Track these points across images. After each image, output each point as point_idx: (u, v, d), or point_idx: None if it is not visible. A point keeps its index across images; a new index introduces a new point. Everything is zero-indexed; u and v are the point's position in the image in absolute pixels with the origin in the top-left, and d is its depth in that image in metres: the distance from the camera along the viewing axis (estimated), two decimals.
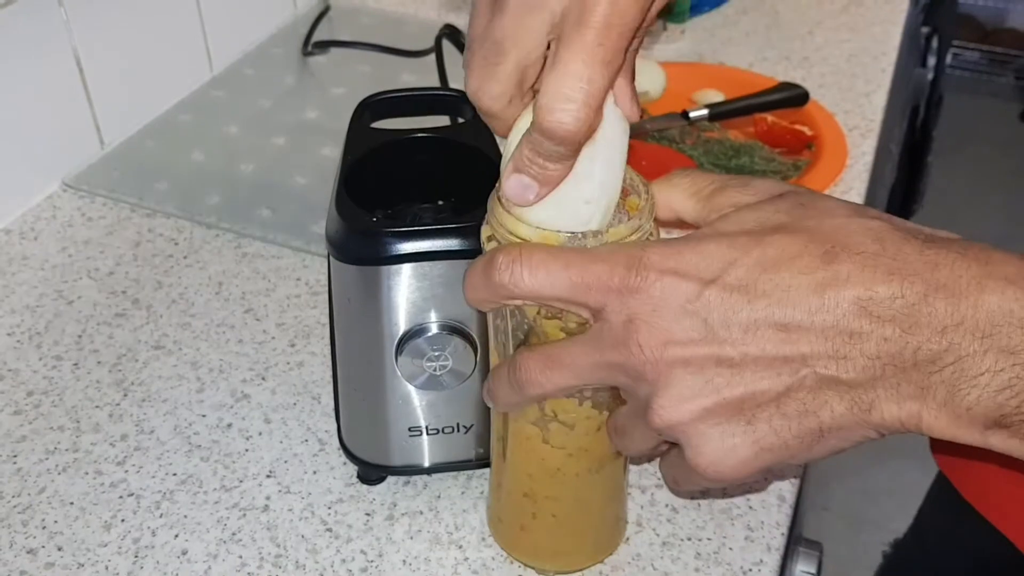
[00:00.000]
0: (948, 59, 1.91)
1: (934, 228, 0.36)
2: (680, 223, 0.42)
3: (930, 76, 1.69)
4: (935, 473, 0.73)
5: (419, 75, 0.96)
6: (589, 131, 0.35)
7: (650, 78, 0.90)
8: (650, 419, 0.36)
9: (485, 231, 0.41)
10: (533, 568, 0.51)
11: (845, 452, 0.37)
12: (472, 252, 0.46)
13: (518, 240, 0.38)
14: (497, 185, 0.40)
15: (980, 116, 2.72)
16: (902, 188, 1.74)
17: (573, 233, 0.38)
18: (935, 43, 1.69)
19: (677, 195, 0.41)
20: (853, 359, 0.33)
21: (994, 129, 2.71)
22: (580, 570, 0.51)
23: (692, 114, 0.85)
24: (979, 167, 2.51)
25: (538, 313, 0.40)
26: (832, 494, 1.63)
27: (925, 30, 1.65)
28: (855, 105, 0.93)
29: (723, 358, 0.34)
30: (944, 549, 0.71)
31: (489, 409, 0.52)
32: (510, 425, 0.46)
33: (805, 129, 0.85)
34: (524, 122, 0.37)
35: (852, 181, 0.82)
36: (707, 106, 0.86)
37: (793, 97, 0.88)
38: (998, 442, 0.33)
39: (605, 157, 0.38)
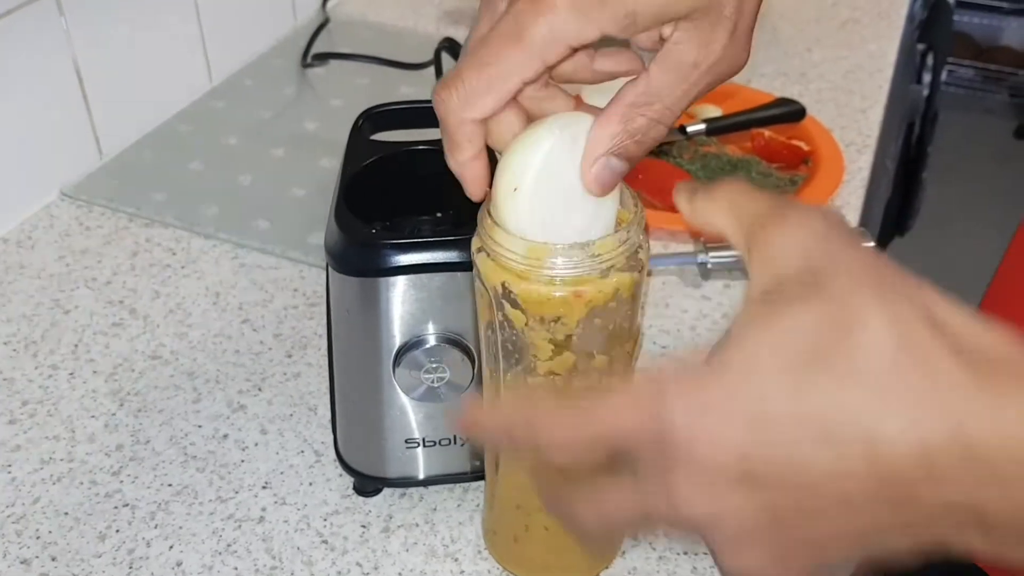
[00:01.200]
0: (943, 76, 1.92)
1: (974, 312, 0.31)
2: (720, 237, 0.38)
3: (926, 93, 1.70)
4: None
5: (418, 88, 0.96)
6: None
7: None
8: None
9: (475, 243, 0.41)
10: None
11: None
12: (470, 264, 0.46)
13: (507, 253, 0.38)
14: (487, 199, 0.40)
15: (975, 133, 2.73)
16: (897, 204, 1.75)
17: (562, 245, 0.38)
18: (930, 60, 1.70)
19: (717, 212, 0.36)
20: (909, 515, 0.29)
21: (989, 146, 2.72)
22: None
23: (690, 129, 0.85)
24: (974, 184, 2.52)
25: (526, 324, 0.40)
26: None
27: (921, 47, 1.65)
28: (851, 121, 0.94)
29: (773, 508, 0.30)
30: None
31: None
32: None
33: (802, 144, 0.86)
34: (532, 137, 0.38)
35: (848, 196, 0.82)
36: (705, 121, 0.86)
37: (790, 113, 0.88)
38: None
39: None
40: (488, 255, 0.40)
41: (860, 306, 0.29)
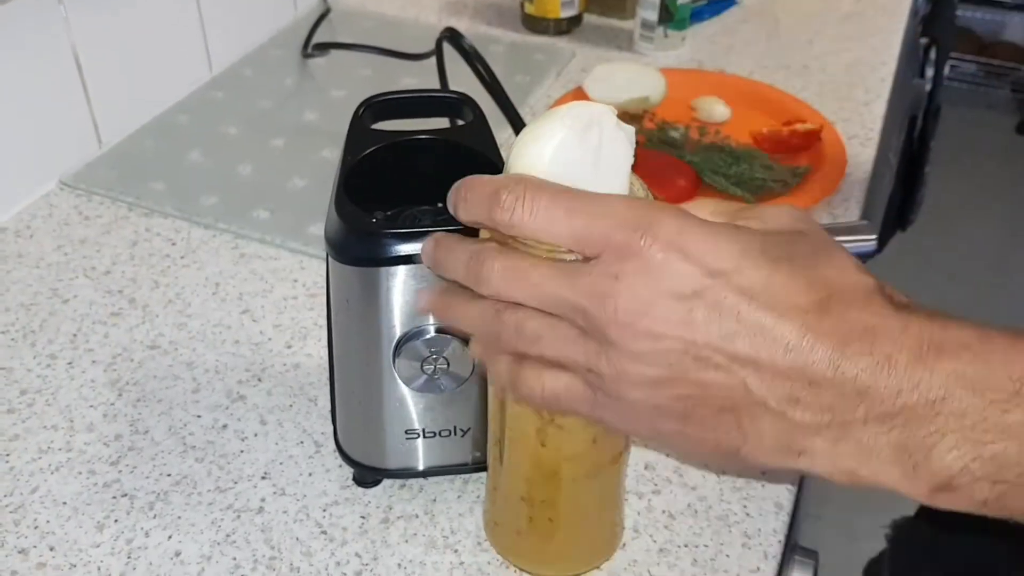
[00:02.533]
0: (946, 71, 1.91)
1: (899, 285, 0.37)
2: None
3: (928, 87, 1.69)
4: None
5: (419, 78, 0.95)
6: None
7: (651, 84, 0.90)
8: (595, 361, 0.36)
9: (484, 232, 0.41)
10: (529, 573, 0.51)
11: None
12: None
13: (519, 244, 0.38)
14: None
15: (977, 128, 2.72)
16: (899, 198, 1.75)
17: None
18: (933, 54, 1.70)
19: (702, 214, 0.39)
20: (806, 406, 0.34)
21: (991, 141, 2.71)
22: (576, 575, 0.51)
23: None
24: (976, 178, 2.52)
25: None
26: (825, 503, 1.63)
27: (924, 41, 1.65)
28: (854, 114, 0.93)
29: (692, 347, 0.34)
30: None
31: (486, 413, 0.52)
32: (507, 428, 0.46)
33: (807, 125, 0.86)
34: (543, 128, 0.38)
35: (851, 190, 0.82)
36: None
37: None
38: (944, 502, 0.34)
39: (608, 165, 0.38)
40: (497, 243, 0.40)
41: (835, 250, 0.37)
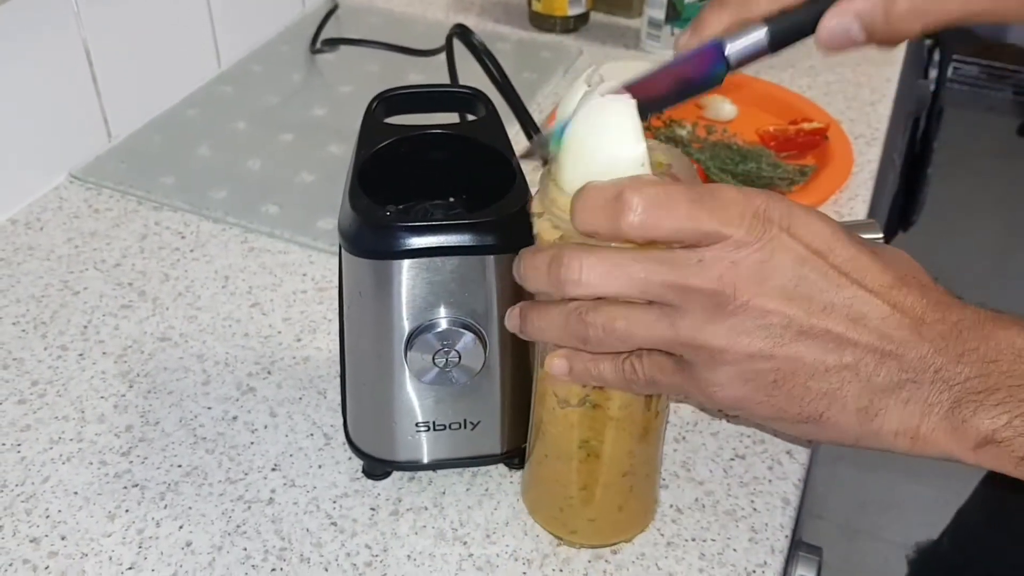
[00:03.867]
0: (949, 72, 1.92)
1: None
2: None
3: (932, 88, 1.70)
4: (932, 485, 0.73)
5: (427, 75, 0.96)
6: None
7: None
8: (697, 333, 0.38)
9: (535, 207, 0.42)
10: (563, 540, 0.52)
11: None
12: (484, 248, 0.47)
13: (566, 219, 0.39)
14: (549, 162, 0.41)
15: (979, 129, 2.73)
16: (902, 198, 1.75)
17: None
18: (937, 55, 1.70)
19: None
20: (890, 365, 0.37)
21: (992, 143, 2.72)
22: (611, 544, 0.53)
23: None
24: (977, 180, 2.52)
25: None
26: (828, 503, 1.63)
27: (928, 42, 1.65)
28: (860, 114, 0.94)
29: (795, 321, 0.37)
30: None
31: (498, 406, 0.52)
32: (552, 393, 0.47)
33: (814, 124, 0.86)
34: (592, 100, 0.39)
35: (857, 188, 0.82)
36: None
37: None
38: (986, 459, 0.37)
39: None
40: (549, 220, 0.41)
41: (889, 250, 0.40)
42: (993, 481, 0.74)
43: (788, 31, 0.43)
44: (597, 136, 0.39)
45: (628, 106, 0.39)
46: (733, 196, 0.37)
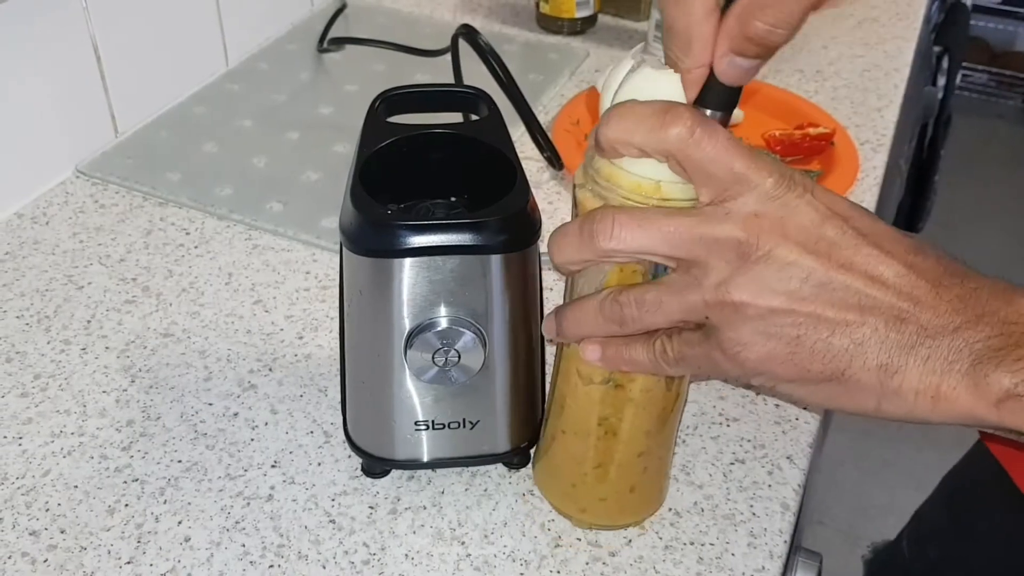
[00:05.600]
0: (958, 80, 1.91)
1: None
2: None
3: (940, 95, 1.69)
4: (931, 489, 0.73)
5: (434, 75, 0.96)
6: None
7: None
8: (722, 289, 0.39)
9: (578, 178, 0.43)
10: (572, 518, 0.53)
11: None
12: (484, 247, 0.47)
13: (614, 188, 0.41)
14: (594, 135, 0.42)
15: (987, 137, 2.72)
16: (908, 205, 1.75)
17: (673, 183, 0.41)
18: (946, 63, 1.70)
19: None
20: (909, 323, 0.38)
21: (1001, 150, 2.71)
22: (619, 526, 0.53)
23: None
24: (984, 188, 2.52)
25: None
26: (828, 509, 1.63)
27: (937, 49, 1.65)
28: (867, 120, 0.94)
29: (816, 275, 0.38)
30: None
31: (498, 406, 0.52)
32: (574, 371, 0.48)
33: (820, 129, 0.86)
34: (642, 73, 0.41)
35: (863, 194, 0.82)
36: None
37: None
38: (1009, 416, 0.37)
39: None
40: (591, 192, 0.42)
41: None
42: (953, 479, 0.74)
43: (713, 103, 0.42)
44: None
45: (674, 79, 0.41)
46: (765, 156, 0.40)
